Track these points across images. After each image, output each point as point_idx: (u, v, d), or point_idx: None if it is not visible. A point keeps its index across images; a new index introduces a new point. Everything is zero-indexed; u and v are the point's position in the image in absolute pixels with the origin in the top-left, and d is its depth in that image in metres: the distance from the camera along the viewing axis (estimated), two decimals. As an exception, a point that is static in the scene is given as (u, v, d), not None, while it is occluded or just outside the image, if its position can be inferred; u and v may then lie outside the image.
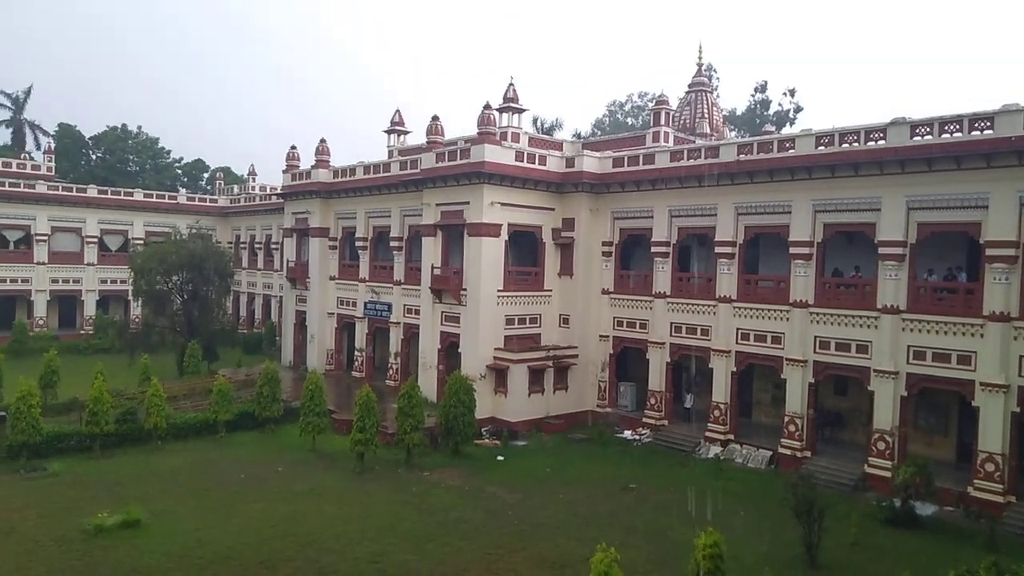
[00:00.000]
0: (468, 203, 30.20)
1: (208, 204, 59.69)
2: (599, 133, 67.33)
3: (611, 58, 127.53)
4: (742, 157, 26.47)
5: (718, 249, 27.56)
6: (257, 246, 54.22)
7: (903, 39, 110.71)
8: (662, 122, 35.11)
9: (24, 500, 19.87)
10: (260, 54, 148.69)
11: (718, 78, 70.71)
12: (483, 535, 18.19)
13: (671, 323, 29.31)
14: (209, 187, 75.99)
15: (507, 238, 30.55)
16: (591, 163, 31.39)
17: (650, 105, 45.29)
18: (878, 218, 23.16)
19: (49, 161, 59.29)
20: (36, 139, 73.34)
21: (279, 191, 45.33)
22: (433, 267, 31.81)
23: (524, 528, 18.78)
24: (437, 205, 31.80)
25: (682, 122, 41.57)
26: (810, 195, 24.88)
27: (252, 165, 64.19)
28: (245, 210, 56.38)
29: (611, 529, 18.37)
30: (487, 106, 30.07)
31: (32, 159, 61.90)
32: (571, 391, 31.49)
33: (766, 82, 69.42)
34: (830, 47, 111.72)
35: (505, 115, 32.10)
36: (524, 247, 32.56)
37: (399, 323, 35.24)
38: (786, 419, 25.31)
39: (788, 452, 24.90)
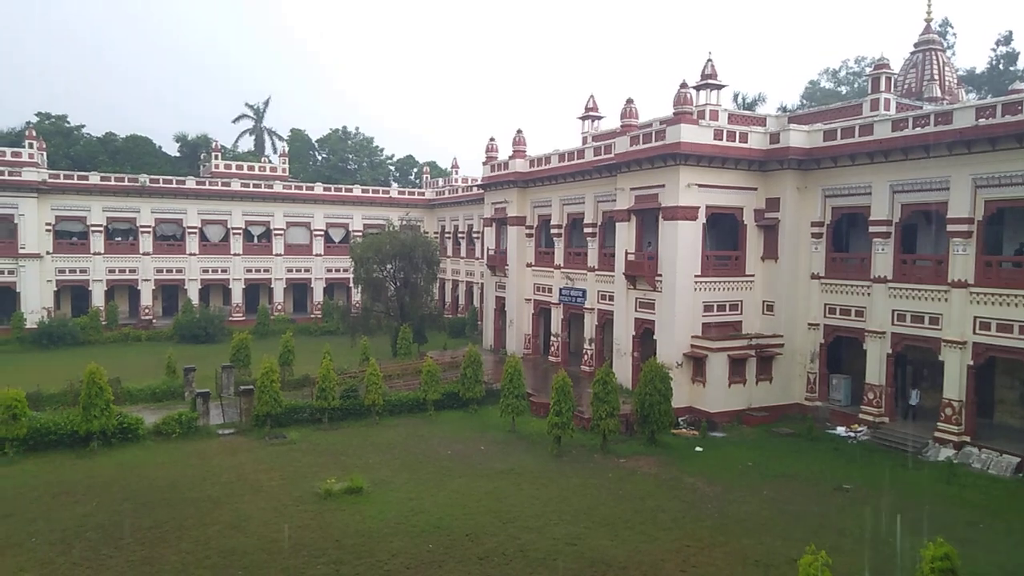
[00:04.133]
0: (663, 186, 29.50)
1: (416, 197, 63.99)
2: (808, 105, 62.49)
3: (821, 22, 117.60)
4: (982, 122, 23.18)
5: (951, 227, 24.46)
6: (460, 235, 57.19)
7: None
8: (882, 88, 31.75)
9: (269, 463, 22.73)
10: (465, 55, 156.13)
11: (954, 34, 62.59)
12: (680, 526, 17.81)
13: (893, 310, 26.56)
14: (417, 181, 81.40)
15: (705, 221, 29.45)
16: (798, 137, 29.24)
17: (868, 71, 41.09)
18: None
19: (284, 163, 67.02)
20: (273, 144, 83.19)
21: (479, 182, 47.42)
22: (627, 253, 31.53)
23: (724, 522, 18.11)
24: (631, 189, 31.42)
25: (906, 87, 37.30)
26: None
27: (455, 158, 67.86)
28: (449, 201, 59.68)
29: (821, 531, 17.14)
30: (683, 84, 29.08)
31: (270, 162, 70.34)
32: (776, 382, 29.74)
33: (1010, 32, 60.22)
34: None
35: (703, 92, 30.84)
36: (723, 230, 31.17)
37: (593, 309, 35.42)
38: (1039, 421, 21.95)
39: (1041, 459, 21.60)
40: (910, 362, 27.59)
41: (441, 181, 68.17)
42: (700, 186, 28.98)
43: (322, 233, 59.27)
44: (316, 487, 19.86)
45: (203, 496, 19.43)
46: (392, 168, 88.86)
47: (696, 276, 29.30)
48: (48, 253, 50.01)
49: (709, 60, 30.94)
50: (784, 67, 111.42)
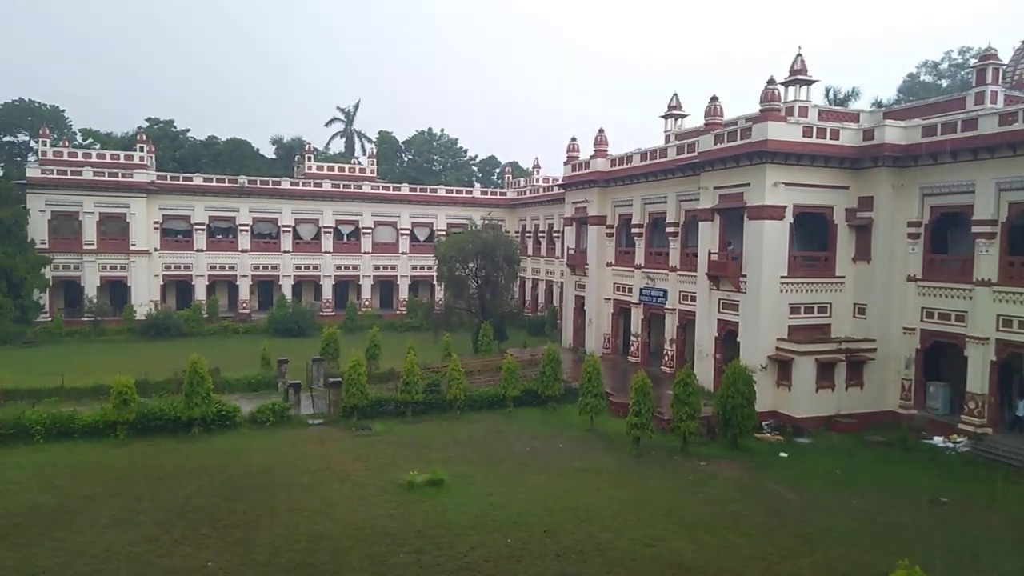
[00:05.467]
0: (748, 185, 28.81)
1: (498, 197, 64.72)
2: (905, 100, 59.41)
3: (922, 11, 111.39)
4: (1102, 114, 21.55)
5: (1065, 227, 22.86)
6: (540, 235, 57.48)
7: None
8: (988, 80, 29.90)
9: (356, 453, 23.62)
10: (549, 56, 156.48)
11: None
12: (763, 533, 17.43)
13: (998, 315, 25.03)
14: (499, 181, 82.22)
15: (792, 220, 28.58)
16: (894, 134, 27.96)
17: (972, 62, 38.79)
18: None
19: (372, 164, 69.13)
20: (363, 146, 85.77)
21: (560, 182, 47.53)
22: (710, 253, 30.96)
23: (810, 531, 17.60)
24: (715, 188, 30.83)
25: (1016, 78, 34.97)
26: None
27: (536, 158, 68.13)
28: (530, 201, 60.07)
29: (914, 545, 16.38)
30: (771, 81, 28.31)
31: (359, 163, 72.64)
32: (867, 388, 28.55)
33: None
34: None
35: (791, 88, 29.98)
36: (811, 230, 30.15)
37: (674, 310, 34.95)
38: None
39: None
40: (1017, 370, 25.93)
41: (523, 181, 68.68)
42: (787, 185, 28.15)
43: (408, 232, 60.82)
44: (399, 478, 20.50)
45: (294, 483, 20.42)
46: (475, 169, 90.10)
47: (782, 277, 28.48)
48: (156, 250, 53.49)
49: (799, 55, 30.03)
50: (880, 60, 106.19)
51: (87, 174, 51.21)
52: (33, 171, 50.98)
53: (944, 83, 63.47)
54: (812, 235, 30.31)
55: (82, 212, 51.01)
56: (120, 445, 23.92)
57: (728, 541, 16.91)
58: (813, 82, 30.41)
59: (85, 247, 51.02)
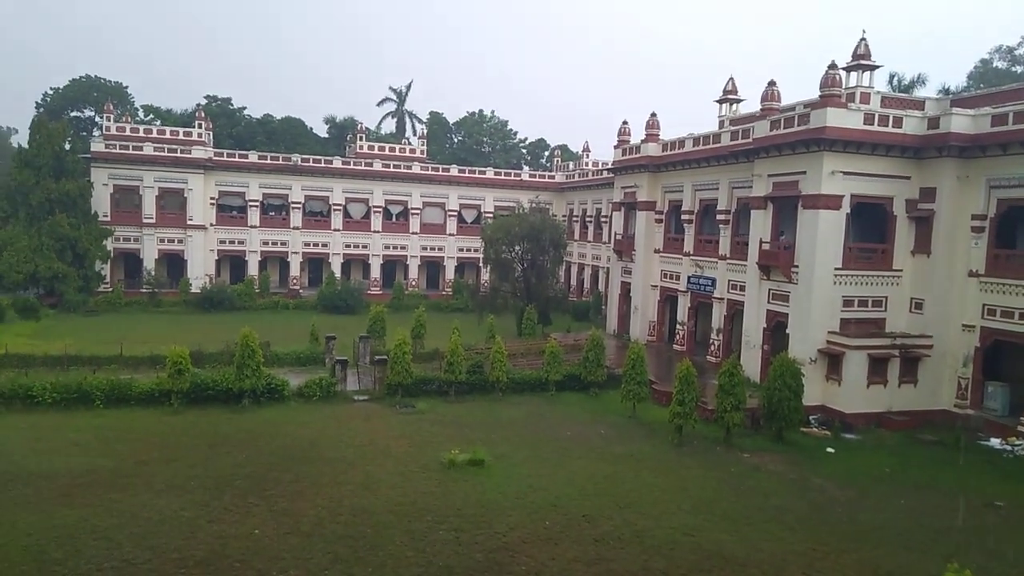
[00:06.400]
0: (804, 173, 28.06)
1: (546, 180, 64.43)
2: (975, 87, 56.89)
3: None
4: None
5: None
6: (588, 219, 57.05)
7: None
8: (1067, 67, 28.44)
9: (399, 431, 23.98)
10: (600, 38, 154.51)
11: None
12: (806, 528, 17.13)
13: (1066, 315, 23.95)
14: (548, 164, 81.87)
15: (848, 211, 27.76)
16: (961, 122, 26.81)
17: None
18: None
19: (422, 145, 69.52)
20: (413, 126, 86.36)
21: (610, 166, 47.04)
22: (762, 241, 30.33)
23: (855, 529, 17.22)
24: (769, 176, 30.11)
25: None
26: None
27: (586, 142, 67.53)
28: (578, 185, 59.63)
29: (966, 549, 15.88)
30: (832, 65, 27.41)
31: (410, 144, 73.13)
32: (921, 386, 27.68)
33: None
34: None
35: (853, 74, 28.99)
36: (868, 221, 29.23)
37: (722, 299, 34.41)
38: None
39: None
40: (1084, 373, 24.85)
41: (571, 165, 68.17)
42: (845, 174, 27.32)
43: (455, 213, 61.10)
44: (440, 456, 20.73)
45: (338, 456, 20.86)
46: (524, 151, 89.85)
47: (836, 269, 27.74)
48: (211, 225, 54.94)
49: (863, 39, 28.98)
50: (950, 46, 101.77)
51: (148, 149, 52.80)
52: (97, 146, 52.80)
53: (1019, 70, 60.53)
54: (869, 226, 29.40)
55: (142, 186, 52.67)
56: (174, 413, 24.78)
57: (770, 534, 16.67)
58: (876, 67, 29.34)
59: (145, 220, 52.71)
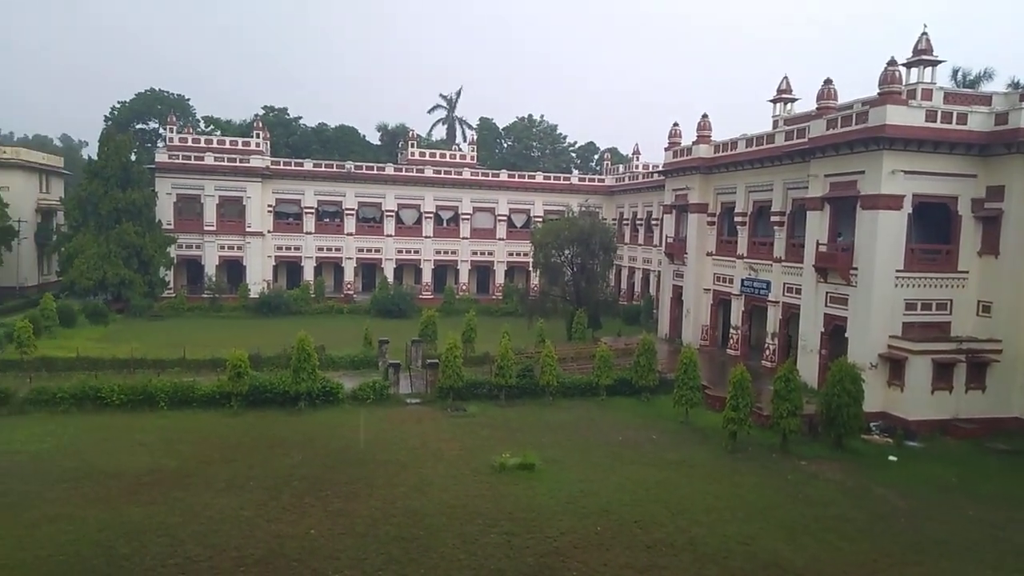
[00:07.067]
0: (863, 172, 27.27)
1: (596, 184, 64.15)
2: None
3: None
4: None
5: None
6: (638, 222, 56.56)
7: None
8: None
9: (450, 434, 24.20)
10: (652, 40, 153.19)
11: None
12: (867, 539, 16.63)
13: None
14: (598, 167, 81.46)
15: (910, 211, 26.85)
16: (1032, 118, 25.67)
17: None
18: None
19: (472, 151, 70.01)
20: (463, 132, 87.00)
21: (660, 168, 46.55)
22: (818, 243, 29.57)
23: (919, 540, 16.64)
24: (825, 176, 29.36)
25: None
26: None
27: (636, 144, 66.96)
28: (628, 188, 59.18)
29: (1040, 563, 15.22)
30: (891, 62, 26.57)
31: (460, 149, 73.75)
32: (990, 392, 26.56)
33: None
34: None
35: (915, 70, 28.00)
36: (931, 221, 28.20)
37: (777, 302, 33.66)
38: None
39: None
40: None
41: (621, 168, 67.73)
42: (906, 173, 26.44)
43: (505, 218, 61.36)
44: (491, 460, 20.83)
45: (391, 459, 21.16)
46: (574, 155, 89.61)
47: (897, 271, 26.85)
48: (269, 232, 56.44)
49: (924, 34, 27.98)
50: (1019, 38, 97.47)
51: (208, 159, 54.65)
52: (161, 156, 54.92)
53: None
54: (932, 227, 28.36)
55: (203, 195, 54.50)
56: (234, 415, 25.52)
57: (829, 544, 16.24)
58: (939, 62, 28.29)
59: (206, 228, 54.50)
